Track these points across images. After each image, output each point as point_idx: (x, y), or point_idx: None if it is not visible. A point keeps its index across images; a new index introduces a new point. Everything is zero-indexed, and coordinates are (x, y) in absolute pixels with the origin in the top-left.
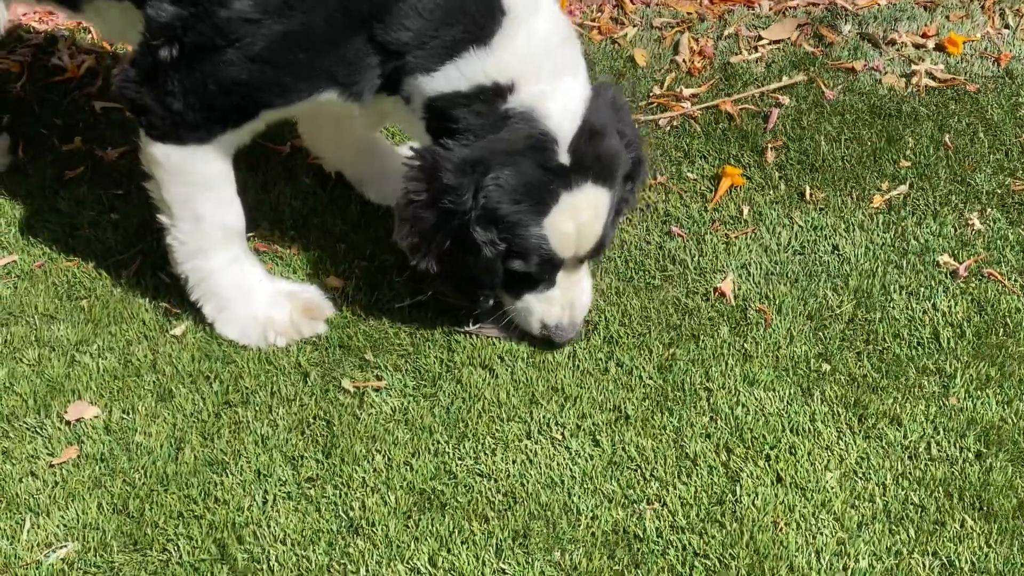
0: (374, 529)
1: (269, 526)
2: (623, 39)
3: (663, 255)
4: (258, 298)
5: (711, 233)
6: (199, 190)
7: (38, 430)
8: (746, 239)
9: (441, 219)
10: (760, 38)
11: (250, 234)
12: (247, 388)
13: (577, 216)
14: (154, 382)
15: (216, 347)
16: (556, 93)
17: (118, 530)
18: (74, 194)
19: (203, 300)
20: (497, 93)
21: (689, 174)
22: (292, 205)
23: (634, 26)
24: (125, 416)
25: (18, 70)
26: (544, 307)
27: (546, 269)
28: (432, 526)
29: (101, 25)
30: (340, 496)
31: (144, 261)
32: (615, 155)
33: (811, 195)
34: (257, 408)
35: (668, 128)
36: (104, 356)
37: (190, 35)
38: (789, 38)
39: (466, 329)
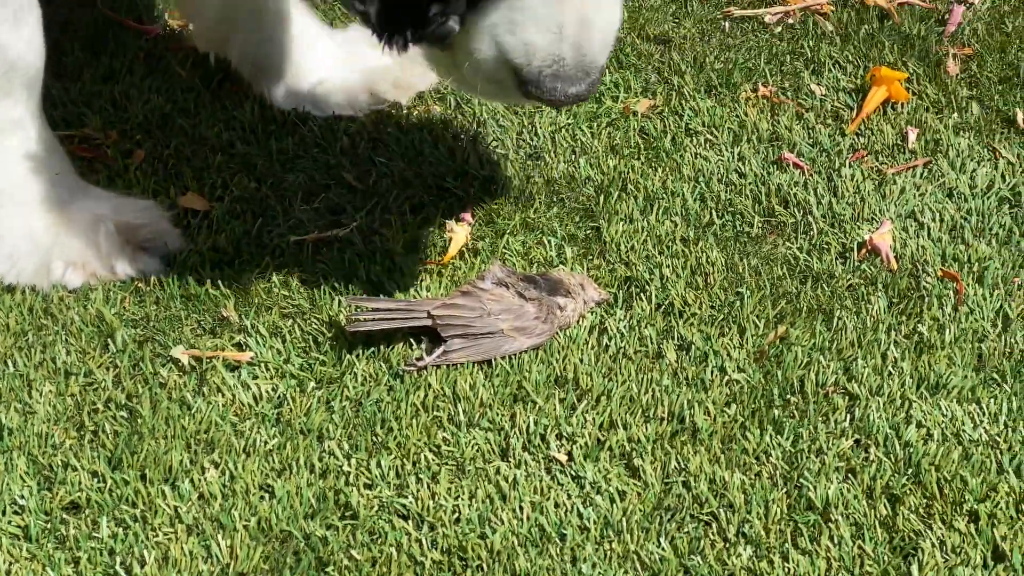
0: None
1: None
2: None
3: (767, 193)
4: (45, 203)
5: (851, 165)
6: None
7: None
8: (914, 176)
9: None
10: None
11: (70, 132)
12: None
13: None
14: None
15: None
16: None
17: None
18: None
19: None
20: None
21: (814, 87)
22: (150, 101)
23: None
24: None
25: None
26: (521, 24)
27: None
28: None
29: None
30: (122, 539)
31: None
32: None
33: None
34: (3, 382)
35: (779, 28)
36: None
37: None
38: None
39: (417, 364)
